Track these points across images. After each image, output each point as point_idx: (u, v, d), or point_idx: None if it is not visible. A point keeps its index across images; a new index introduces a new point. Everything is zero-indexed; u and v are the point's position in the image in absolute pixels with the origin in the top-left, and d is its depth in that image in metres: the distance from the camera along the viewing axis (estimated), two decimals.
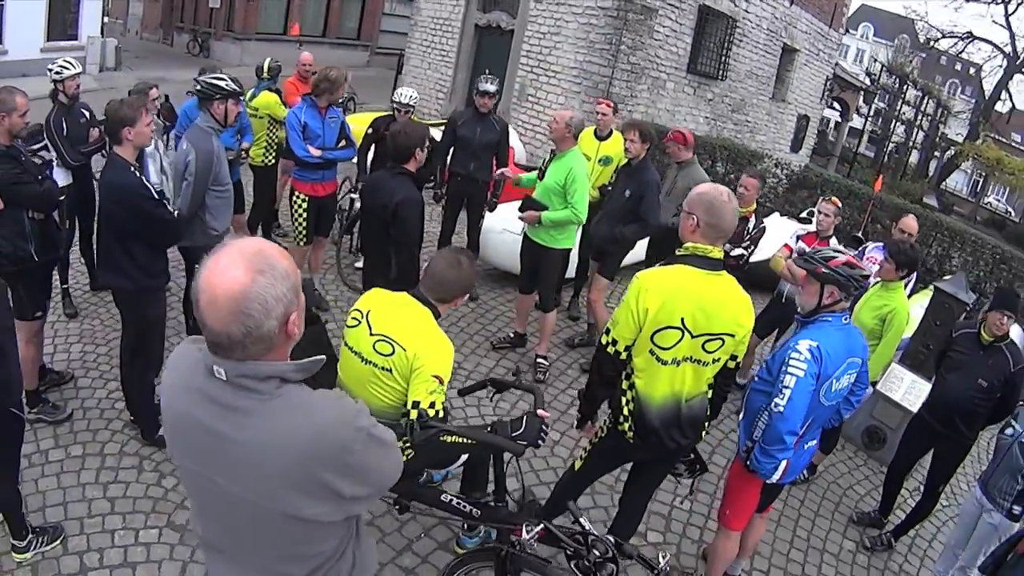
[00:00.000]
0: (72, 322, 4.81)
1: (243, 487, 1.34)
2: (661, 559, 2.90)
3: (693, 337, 2.51)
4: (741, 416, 3.14)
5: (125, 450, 3.68)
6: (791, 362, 2.77)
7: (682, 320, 2.48)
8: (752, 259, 5.20)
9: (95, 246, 4.00)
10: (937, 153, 27.06)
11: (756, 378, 3.06)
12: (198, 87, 3.88)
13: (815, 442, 3.18)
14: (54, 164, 4.45)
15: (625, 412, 2.69)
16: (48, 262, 3.67)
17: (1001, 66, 26.72)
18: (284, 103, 6.08)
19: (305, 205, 5.01)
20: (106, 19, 15.03)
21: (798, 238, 5.29)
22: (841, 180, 11.30)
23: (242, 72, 16.78)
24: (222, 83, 3.85)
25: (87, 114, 4.78)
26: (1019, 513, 3.48)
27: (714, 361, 2.61)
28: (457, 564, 2.66)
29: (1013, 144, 33.32)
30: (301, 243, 5.14)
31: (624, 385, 2.70)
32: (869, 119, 22.65)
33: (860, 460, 5.22)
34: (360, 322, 2.42)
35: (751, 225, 5.10)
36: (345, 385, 2.46)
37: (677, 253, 2.61)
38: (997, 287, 6.97)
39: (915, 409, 4.70)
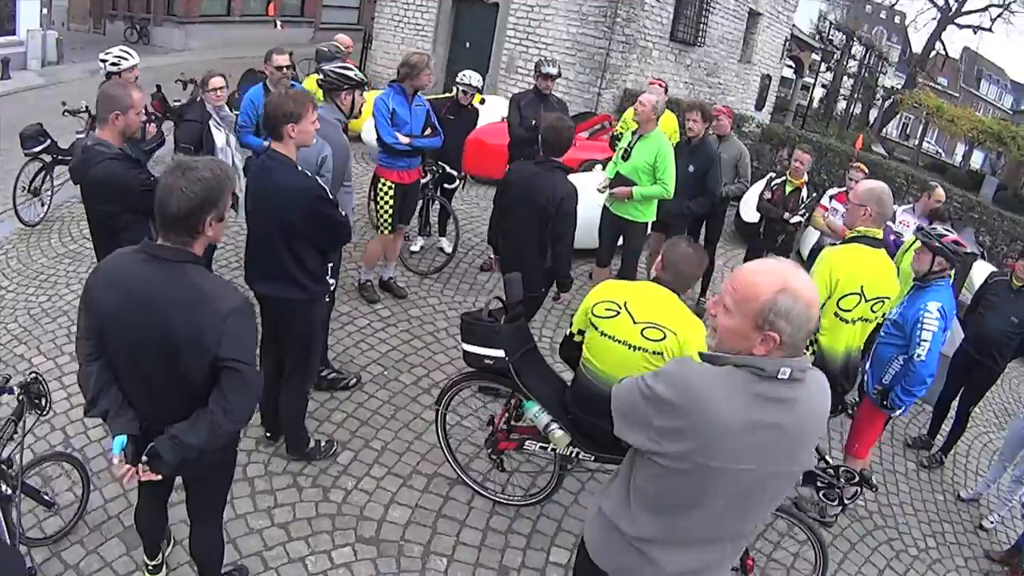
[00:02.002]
0: None
1: (790, 464, 1.80)
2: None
3: (866, 300, 3.31)
4: (868, 364, 3.99)
5: (271, 470, 3.64)
6: (925, 320, 3.69)
7: (861, 287, 3.29)
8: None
9: (250, 255, 3.45)
10: (877, 102, 29.15)
11: (883, 333, 3.89)
12: (324, 77, 3.95)
13: None
14: None
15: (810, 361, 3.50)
16: None
17: (935, 18, 29.22)
18: None
19: (392, 192, 5.23)
20: (44, 11, 14.38)
21: (831, 197, 6.19)
22: (823, 139, 12.43)
23: (188, 57, 16.44)
24: (350, 73, 3.94)
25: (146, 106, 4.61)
26: None
27: (874, 320, 3.41)
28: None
29: (939, 88, 36.23)
30: (386, 231, 5.33)
31: (807, 344, 3.49)
32: (820, 75, 24.42)
33: None
34: (619, 312, 2.89)
35: (804, 194, 5.96)
36: (604, 370, 2.96)
37: (849, 236, 3.41)
38: None
39: (950, 353, 5.68)
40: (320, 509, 3.48)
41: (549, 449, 3.32)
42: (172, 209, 2.05)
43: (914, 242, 5.33)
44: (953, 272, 4.03)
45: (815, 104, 26.31)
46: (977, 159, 30.79)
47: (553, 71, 6.18)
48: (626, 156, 5.32)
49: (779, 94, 21.21)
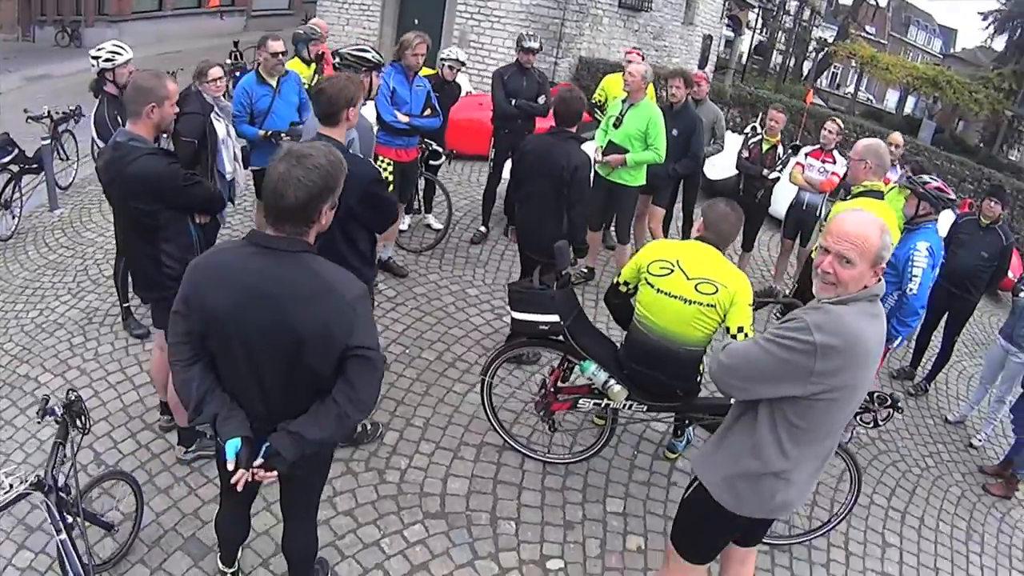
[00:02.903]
0: (149, 343, 4.57)
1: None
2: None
3: None
4: None
5: None
6: (915, 259, 4.18)
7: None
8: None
9: None
10: (811, 54, 30.35)
11: None
12: (342, 60, 4.05)
13: None
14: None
15: None
16: None
17: None
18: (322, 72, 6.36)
19: (391, 170, 5.38)
20: None
21: (806, 154, 6.63)
22: (773, 96, 13.03)
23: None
24: (368, 55, 4.03)
25: None
26: None
27: None
28: None
29: (870, 36, 37.89)
30: None
31: None
32: (756, 32, 25.27)
33: None
34: (673, 270, 3.21)
35: (780, 151, 6.38)
36: (661, 324, 3.29)
37: (856, 191, 3.87)
38: (992, 184, 8.78)
39: None
40: (380, 492, 3.64)
41: (604, 405, 3.62)
42: (290, 199, 1.99)
43: (891, 189, 5.84)
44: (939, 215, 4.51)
45: (743, 59, 27.32)
46: (909, 104, 32.43)
47: (535, 45, 6.41)
48: (618, 124, 5.60)
49: (720, 53, 21.92)
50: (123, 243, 3.36)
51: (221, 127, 4.44)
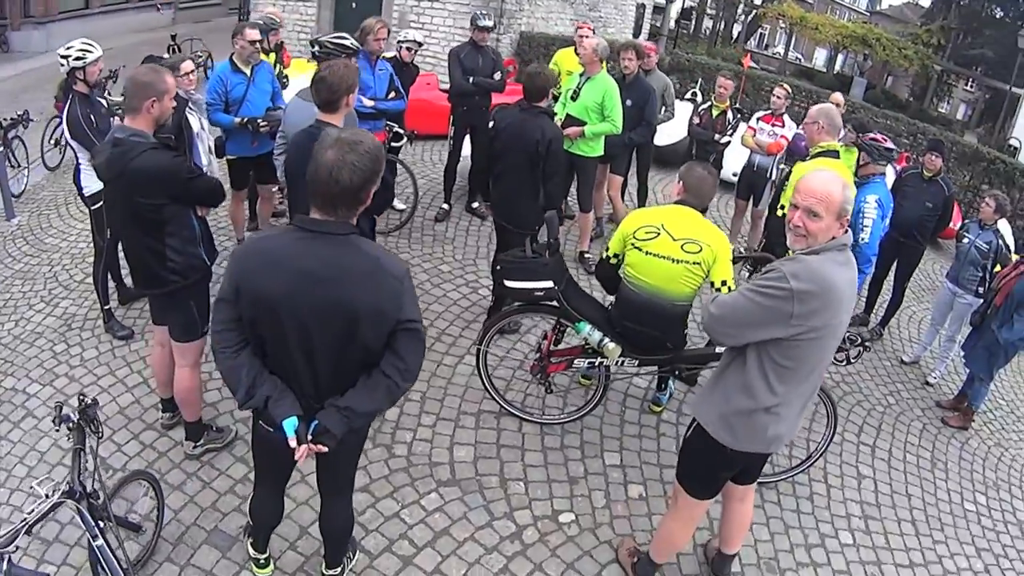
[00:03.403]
0: (135, 343, 4.68)
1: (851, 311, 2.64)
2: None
3: None
4: None
5: None
6: (865, 210, 4.58)
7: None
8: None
9: None
10: (740, 17, 31.12)
11: None
12: (320, 48, 4.11)
13: None
14: (82, 167, 4.41)
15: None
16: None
17: None
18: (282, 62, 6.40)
19: None
20: None
21: (758, 119, 7.00)
22: (710, 61, 13.45)
23: (54, 59, 15.13)
24: (347, 42, 4.13)
25: (105, 102, 4.55)
26: (982, 291, 5.57)
27: None
28: None
29: None
30: None
31: None
32: None
33: None
34: (659, 233, 3.49)
35: (729, 117, 6.73)
36: (652, 283, 3.56)
37: (813, 152, 4.20)
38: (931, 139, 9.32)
39: None
40: (391, 465, 3.83)
41: (598, 363, 3.88)
42: (346, 183, 2.07)
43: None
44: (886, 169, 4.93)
45: (671, 25, 27.96)
46: (838, 62, 33.59)
47: (489, 23, 6.59)
48: (575, 97, 5.83)
49: (652, 21, 22.33)
50: (124, 240, 3.37)
51: (195, 121, 4.52)
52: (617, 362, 3.82)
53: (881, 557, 3.93)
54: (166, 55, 9.02)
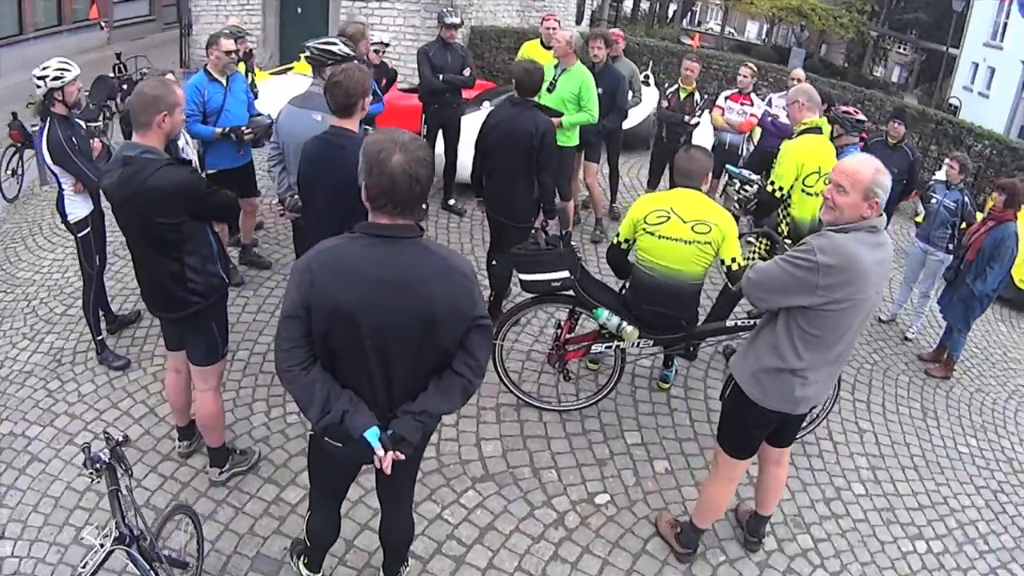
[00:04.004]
0: (133, 373, 4.59)
1: (884, 287, 2.84)
2: None
3: (821, 176, 4.27)
4: None
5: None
6: None
7: (819, 167, 4.35)
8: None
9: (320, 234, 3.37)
10: None
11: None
12: (310, 54, 4.12)
13: None
14: (65, 193, 4.31)
15: (784, 232, 4.52)
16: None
17: None
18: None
19: None
20: None
21: (726, 98, 7.26)
22: (659, 43, 13.75)
23: None
24: (334, 48, 4.12)
25: (83, 123, 4.50)
26: (952, 248, 5.93)
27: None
28: None
29: None
30: None
31: (781, 215, 4.58)
32: None
33: None
34: (670, 217, 3.68)
35: (697, 98, 6.96)
36: (666, 265, 3.74)
37: (800, 129, 4.48)
38: (895, 108, 9.74)
39: None
40: (424, 468, 3.79)
41: (615, 347, 4.05)
42: (416, 189, 2.09)
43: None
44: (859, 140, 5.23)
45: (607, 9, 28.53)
46: (773, 34, 34.60)
47: (457, 20, 6.69)
48: (551, 89, 5.96)
49: (592, 6, 22.66)
50: (140, 264, 3.28)
51: (179, 137, 4.47)
52: (635, 344, 3.99)
53: (893, 503, 4.21)
54: (112, 75, 8.87)
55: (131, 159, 2.97)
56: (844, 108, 5.06)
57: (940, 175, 6.66)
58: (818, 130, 4.55)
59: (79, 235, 4.47)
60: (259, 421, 4.21)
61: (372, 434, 2.22)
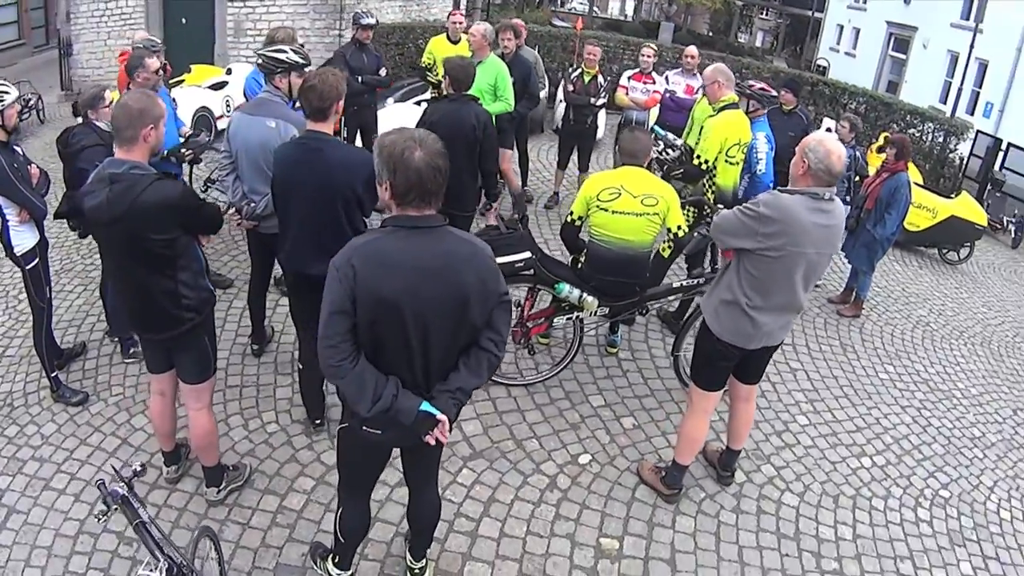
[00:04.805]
0: (94, 406, 4.46)
1: (831, 250, 3.37)
2: None
3: (741, 147, 4.85)
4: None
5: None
6: (758, 146, 5.35)
7: (739, 140, 4.92)
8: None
9: (303, 239, 3.63)
10: None
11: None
12: (260, 62, 4.14)
13: None
14: (10, 224, 4.10)
15: (711, 199, 5.02)
16: None
17: None
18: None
19: None
20: None
21: (628, 78, 7.75)
22: (541, 28, 14.29)
23: None
24: (282, 56, 4.11)
25: (21, 149, 4.30)
26: (849, 199, 6.54)
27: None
28: (684, 322, 4.70)
29: None
30: None
31: (707, 184, 5.11)
32: None
33: None
34: (620, 193, 4.05)
35: (600, 80, 7.41)
36: (620, 237, 4.11)
37: (719, 106, 4.97)
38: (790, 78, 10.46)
39: None
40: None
41: (575, 317, 4.44)
42: (439, 180, 2.28)
43: (702, 97, 7.03)
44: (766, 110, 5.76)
45: None
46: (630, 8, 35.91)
47: (372, 21, 6.87)
48: None
49: None
50: (129, 286, 3.21)
51: None
52: (593, 312, 4.37)
53: (834, 428, 4.81)
54: None
55: (119, 176, 2.90)
56: (760, 86, 5.57)
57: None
58: (735, 106, 5.03)
59: (27, 267, 4.28)
60: (239, 435, 4.24)
61: (427, 406, 2.38)
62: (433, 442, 2.42)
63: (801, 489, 4.20)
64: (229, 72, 9.53)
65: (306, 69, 4.20)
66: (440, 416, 2.38)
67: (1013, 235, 11.02)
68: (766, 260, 3.23)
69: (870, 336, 6.22)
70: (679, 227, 4.18)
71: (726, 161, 4.94)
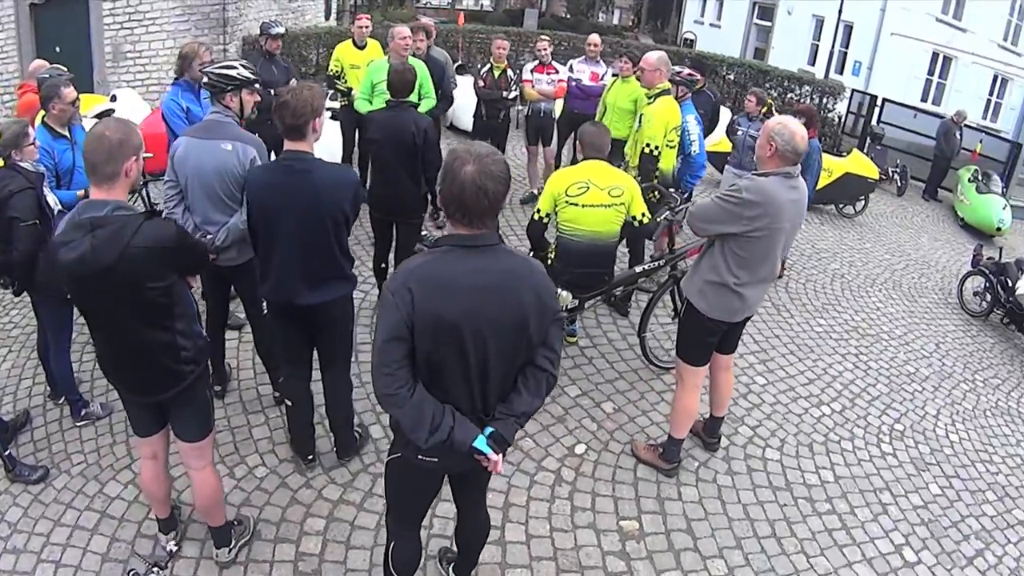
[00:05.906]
0: (57, 480, 4.11)
1: (800, 220, 3.73)
2: None
3: (676, 130, 5.24)
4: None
5: (339, 480, 3.99)
6: (689, 128, 5.68)
7: (676, 124, 5.31)
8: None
9: (292, 269, 3.52)
10: None
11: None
12: (207, 80, 3.88)
13: None
14: None
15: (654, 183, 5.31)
16: None
17: None
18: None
19: None
20: None
21: (531, 71, 7.98)
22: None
23: None
24: (232, 72, 3.88)
25: None
26: None
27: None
28: (649, 303, 4.98)
29: None
30: None
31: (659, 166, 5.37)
32: None
33: None
34: (588, 187, 4.27)
35: (510, 74, 7.61)
36: (591, 229, 4.34)
37: (654, 92, 5.28)
38: (695, 60, 10.88)
39: None
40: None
41: None
42: (483, 200, 2.21)
43: (615, 82, 7.27)
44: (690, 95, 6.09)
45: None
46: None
47: (281, 31, 6.73)
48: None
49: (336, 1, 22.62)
50: (119, 343, 2.89)
51: (52, 197, 4.07)
52: (566, 307, 4.59)
53: (790, 384, 5.28)
54: None
55: (100, 220, 2.56)
56: (688, 71, 5.90)
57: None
58: (668, 92, 5.36)
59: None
60: (228, 486, 3.93)
61: (481, 443, 2.34)
62: (491, 469, 2.43)
63: (778, 444, 4.59)
64: (114, 99, 9.03)
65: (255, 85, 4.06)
66: (492, 456, 2.36)
67: (899, 184, 12.08)
68: (752, 240, 3.51)
69: (796, 294, 6.76)
70: (643, 214, 4.44)
71: (667, 145, 5.27)
